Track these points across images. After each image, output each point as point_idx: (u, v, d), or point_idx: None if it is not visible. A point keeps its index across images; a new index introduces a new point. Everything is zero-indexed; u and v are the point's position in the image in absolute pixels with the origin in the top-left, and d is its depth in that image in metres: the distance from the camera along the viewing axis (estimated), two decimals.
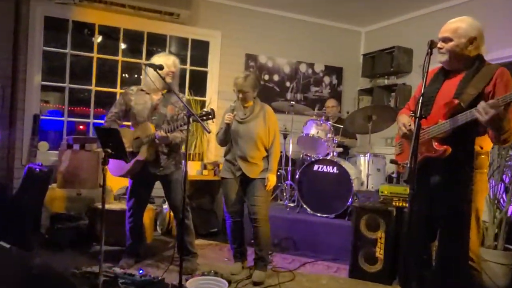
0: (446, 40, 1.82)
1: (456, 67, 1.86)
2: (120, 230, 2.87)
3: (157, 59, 2.59)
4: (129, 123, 2.72)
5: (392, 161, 1.97)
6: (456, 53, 1.81)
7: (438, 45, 1.84)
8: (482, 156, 1.80)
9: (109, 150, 2.03)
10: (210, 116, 2.31)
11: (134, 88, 2.66)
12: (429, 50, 1.68)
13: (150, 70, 2.47)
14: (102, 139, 2.09)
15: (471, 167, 1.77)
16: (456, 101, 1.74)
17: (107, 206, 3.11)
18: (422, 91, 1.59)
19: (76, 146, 3.48)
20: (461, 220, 1.78)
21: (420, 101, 1.57)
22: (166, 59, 2.58)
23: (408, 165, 1.49)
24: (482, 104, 1.58)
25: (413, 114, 1.57)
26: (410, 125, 1.89)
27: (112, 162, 2.48)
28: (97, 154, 3.51)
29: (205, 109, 2.35)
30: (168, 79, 2.55)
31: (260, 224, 2.61)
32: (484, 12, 3.64)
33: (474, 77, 1.77)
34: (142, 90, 2.63)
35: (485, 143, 1.80)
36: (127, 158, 2.18)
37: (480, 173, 1.80)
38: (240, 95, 2.63)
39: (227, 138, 2.68)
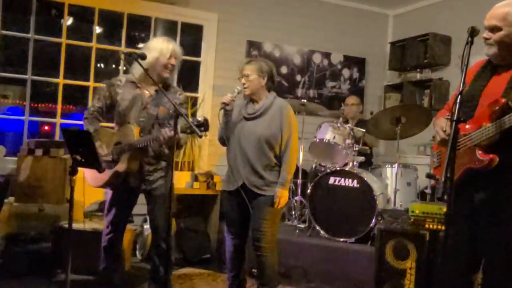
0: (493, 29, 1.82)
1: (507, 61, 1.86)
2: (91, 254, 2.87)
3: (154, 45, 2.53)
4: (111, 124, 2.70)
5: (428, 176, 1.97)
6: (507, 45, 1.81)
7: (484, 35, 1.83)
8: None
9: (78, 157, 2.05)
10: (202, 129, 2.19)
11: (122, 78, 2.60)
12: (469, 39, 1.69)
13: (141, 61, 2.41)
14: (71, 143, 2.11)
15: None
16: (503, 100, 1.75)
17: (75, 226, 3.11)
18: (461, 88, 1.60)
19: (39, 152, 3.50)
20: (511, 246, 1.78)
21: (458, 100, 1.58)
22: (165, 46, 2.54)
23: (443, 178, 1.49)
24: None
25: (449, 117, 1.58)
26: (445, 130, 1.89)
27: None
28: (65, 161, 3.53)
29: (198, 118, 2.29)
30: (165, 74, 2.53)
31: (266, 252, 2.57)
32: None
33: None
34: (132, 82, 2.56)
35: None
36: (100, 167, 2.19)
37: None
38: (243, 81, 2.59)
39: (227, 132, 2.61)
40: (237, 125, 2.62)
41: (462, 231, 1.85)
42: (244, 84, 2.60)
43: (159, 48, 2.52)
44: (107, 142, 2.54)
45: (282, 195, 2.58)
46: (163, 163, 2.63)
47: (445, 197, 1.51)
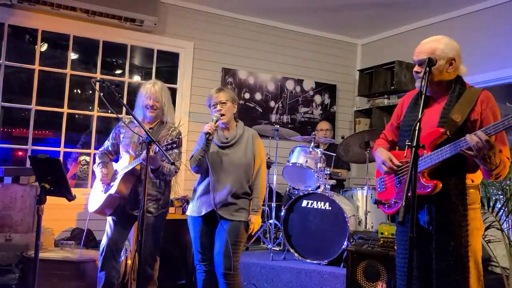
0: (423, 63, 1.90)
1: (436, 92, 1.97)
2: (61, 286, 2.75)
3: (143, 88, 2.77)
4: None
5: (376, 202, 2.01)
6: (436, 77, 1.90)
7: (415, 69, 1.94)
8: (472, 190, 1.89)
9: (47, 185, 1.99)
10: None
11: (126, 119, 2.89)
12: (427, 69, 1.76)
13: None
14: (39, 170, 2.05)
15: (464, 204, 1.85)
16: (441, 130, 1.83)
17: (44, 255, 3.00)
18: (419, 116, 1.65)
19: (8, 179, 3.38)
20: (458, 267, 1.82)
21: (417, 127, 1.63)
22: (143, 88, 2.78)
23: (404, 203, 1.51)
24: (474, 137, 1.67)
25: (409, 143, 1.63)
26: (391, 160, 1.96)
27: (92, 193, 2.71)
28: (35, 189, 3.42)
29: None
30: (149, 113, 2.70)
31: (235, 279, 2.56)
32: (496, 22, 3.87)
33: (457, 102, 1.89)
34: (132, 121, 2.78)
35: (475, 176, 1.91)
36: (70, 195, 2.15)
37: (473, 210, 1.88)
38: (219, 107, 2.59)
39: (203, 161, 2.57)
40: (212, 153, 2.61)
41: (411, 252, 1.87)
42: (221, 110, 2.60)
43: (141, 90, 2.77)
44: (111, 173, 2.75)
45: (256, 221, 2.61)
46: (161, 195, 2.72)
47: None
